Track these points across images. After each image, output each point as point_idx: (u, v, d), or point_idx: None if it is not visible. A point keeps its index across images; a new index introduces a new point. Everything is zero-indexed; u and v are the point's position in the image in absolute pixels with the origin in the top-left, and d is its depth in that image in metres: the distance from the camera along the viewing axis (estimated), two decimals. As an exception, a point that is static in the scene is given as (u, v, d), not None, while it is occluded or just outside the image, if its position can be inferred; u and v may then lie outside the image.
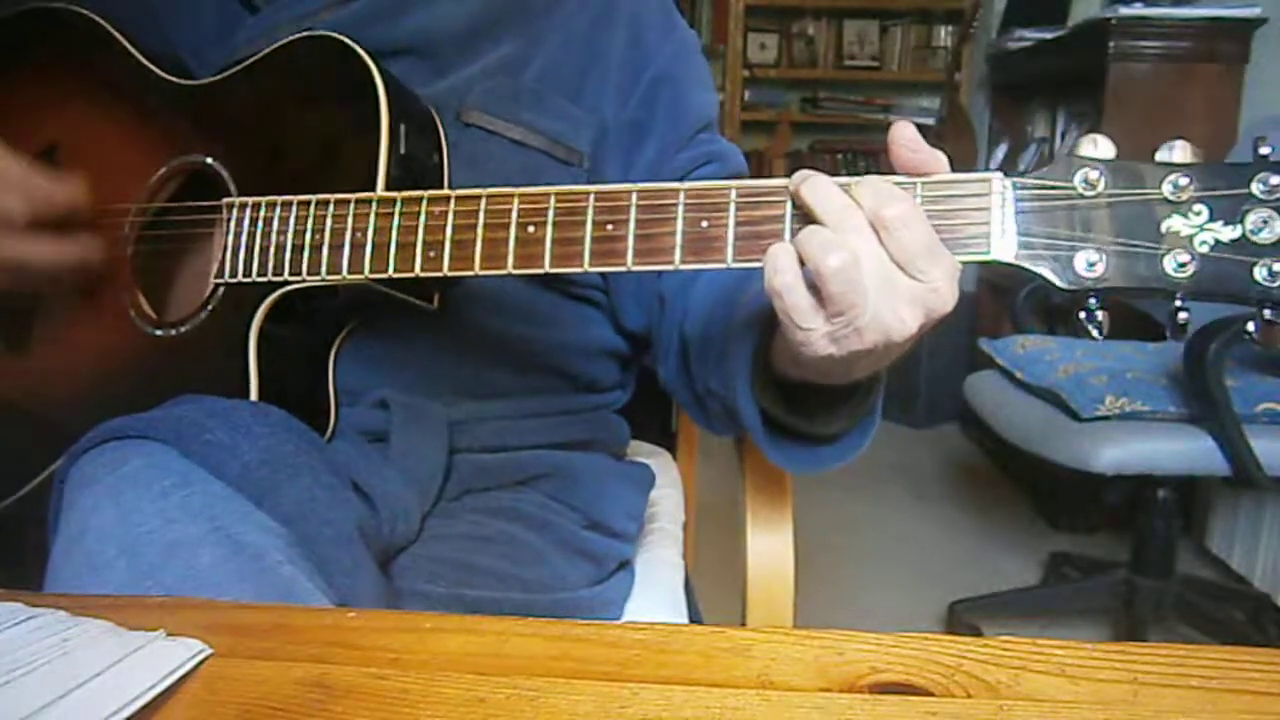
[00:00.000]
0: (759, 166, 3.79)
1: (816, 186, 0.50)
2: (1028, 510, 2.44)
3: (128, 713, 0.35)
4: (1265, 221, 0.46)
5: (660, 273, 0.77)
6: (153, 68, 0.75)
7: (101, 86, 0.77)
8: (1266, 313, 0.47)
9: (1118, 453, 1.45)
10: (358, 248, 0.60)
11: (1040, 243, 0.49)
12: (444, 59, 0.75)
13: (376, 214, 0.60)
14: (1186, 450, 1.45)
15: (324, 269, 0.61)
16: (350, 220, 0.61)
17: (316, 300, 0.66)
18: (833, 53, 3.99)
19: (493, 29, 0.77)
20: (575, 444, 0.81)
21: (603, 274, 0.81)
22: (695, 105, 0.81)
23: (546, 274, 0.56)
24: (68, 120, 0.77)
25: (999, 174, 0.50)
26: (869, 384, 0.60)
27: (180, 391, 0.60)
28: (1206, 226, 0.47)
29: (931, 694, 0.37)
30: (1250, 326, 0.48)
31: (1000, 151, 3.09)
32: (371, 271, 0.60)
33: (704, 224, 0.53)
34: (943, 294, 0.49)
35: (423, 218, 0.59)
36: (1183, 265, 0.47)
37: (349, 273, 0.61)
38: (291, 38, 0.69)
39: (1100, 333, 0.49)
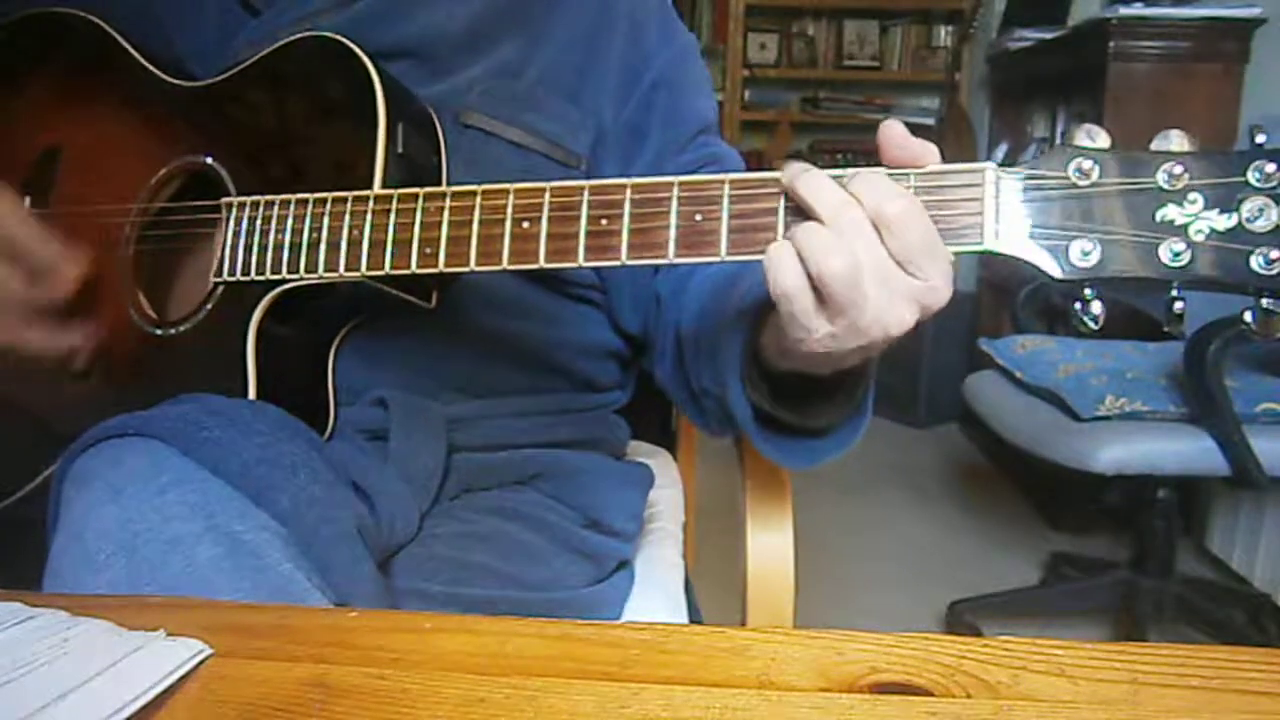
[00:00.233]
0: (759, 167, 3.69)
1: (812, 181, 0.50)
2: (1028, 510, 2.44)
3: (128, 713, 0.35)
4: (1261, 210, 0.45)
5: (656, 274, 0.77)
6: (154, 71, 0.75)
7: (104, 89, 0.77)
8: (1264, 301, 0.46)
9: (1118, 453, 1.45)
10: (354, 245, 0.60)
11: (1034, 232, 0.48)
12: (443, 61, 0.75)
13: (373, 211, 0.60)
14: (1186, 450, 1.45)
15: (321, 267, 0.62)
16: (347, 218, 0.61)
17: (315, 299, 0.66)
18: (833, 53, 3.99)
19: (492, 31, 0.77)
20: (574, 443, 0.81)
21: (599, 273, 0.81)
22: (693, 109, 0.81)
23: (542, 271, 0.56)
24: (70, 123, 0.77)
25: (992, 164, 0.49)
26: (858, 373, 0.60)
27: (180, 390, 0.60)
28: (1202, 215, 0.46)
29: (931, 694, 0.37)
30: (1247, 316, 0.47)
31: (1000, 152, 3.07)
32: (368, 269, 0.60)
33: (698, 217, 0.53)
34: (940, 291, 0.49)
35: (419, 214, 0.59)
36: (1178, 254, 0.47)
37: (346, 270, 0.61)
38: (291, 38, 0.69)
39: (1095, 324, 0.48)
